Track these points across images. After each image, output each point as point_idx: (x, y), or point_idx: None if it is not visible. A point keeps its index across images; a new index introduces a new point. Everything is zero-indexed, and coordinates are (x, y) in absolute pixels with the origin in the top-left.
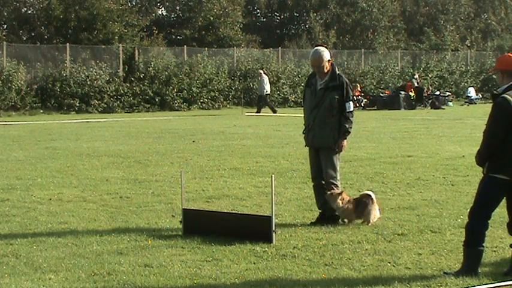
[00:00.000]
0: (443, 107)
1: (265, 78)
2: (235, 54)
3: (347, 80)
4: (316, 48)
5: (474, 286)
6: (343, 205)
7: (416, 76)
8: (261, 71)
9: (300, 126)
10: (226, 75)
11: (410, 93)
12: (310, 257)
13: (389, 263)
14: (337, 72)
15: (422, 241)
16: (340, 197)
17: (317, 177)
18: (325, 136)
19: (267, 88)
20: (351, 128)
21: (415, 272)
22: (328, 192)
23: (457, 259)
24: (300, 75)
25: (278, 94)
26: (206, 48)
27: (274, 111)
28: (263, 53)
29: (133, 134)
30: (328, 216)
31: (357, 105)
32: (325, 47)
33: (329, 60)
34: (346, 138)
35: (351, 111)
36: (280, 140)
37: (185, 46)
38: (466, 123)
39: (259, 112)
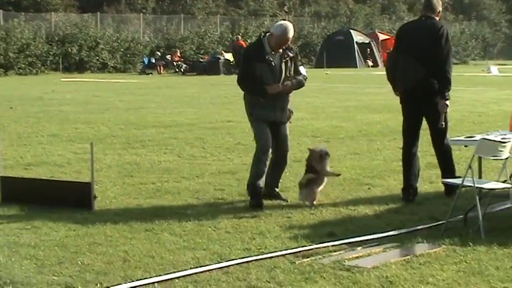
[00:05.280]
0: None
1: None
2: (53, 19)
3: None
4: (282, 23)
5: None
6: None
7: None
8: None
9: (120, 92)
10: (44, 40)
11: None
12: (131, 223)
13: (210, 227)
14: None
15: (242, 205)
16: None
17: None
18: (287, 110)
19: None
20: (301, 85)
21: (235, 235)
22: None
23: (276, 222)
24: (119, 41)
25: (97, 60)
26: (23, 13)
27: None
28: (81, 18)
29: None
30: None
31: (177, 70)
32: (288, 21)
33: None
34: (289, 87)
35: (305, 75)
36: (100, 106)
37: (1, 10)
38: None
39: None
